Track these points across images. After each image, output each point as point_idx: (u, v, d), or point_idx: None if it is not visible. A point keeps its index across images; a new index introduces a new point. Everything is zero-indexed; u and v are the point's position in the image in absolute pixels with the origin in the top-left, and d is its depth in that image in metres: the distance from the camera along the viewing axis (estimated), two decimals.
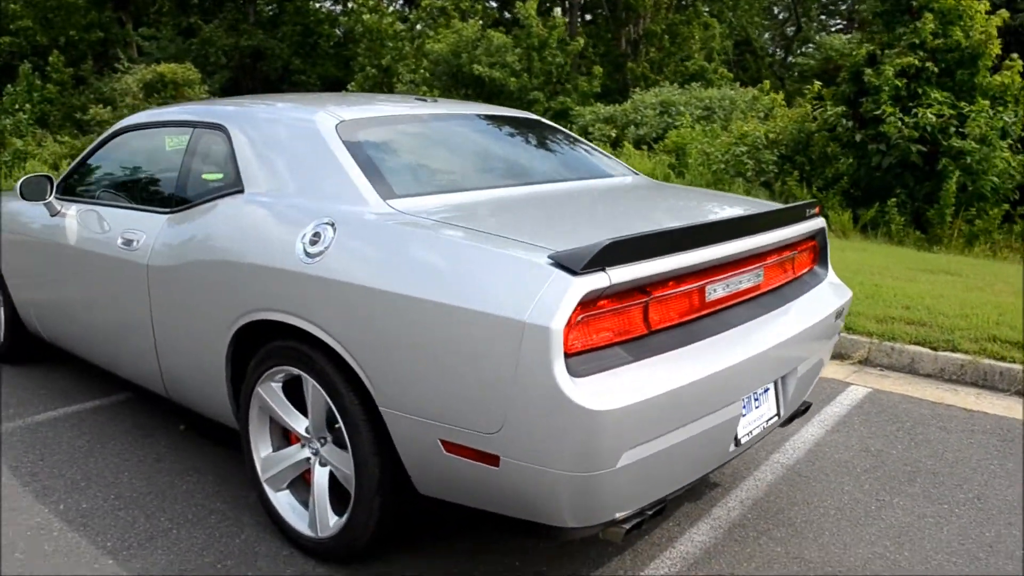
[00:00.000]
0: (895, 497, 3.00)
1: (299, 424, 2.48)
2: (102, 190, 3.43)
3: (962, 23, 9.67)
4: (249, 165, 2.65)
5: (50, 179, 3.45)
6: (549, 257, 1.91)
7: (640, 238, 1.96)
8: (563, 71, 17.40)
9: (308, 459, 2.48)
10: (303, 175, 2.51)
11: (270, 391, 2.51)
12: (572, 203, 2.67)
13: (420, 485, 2.20)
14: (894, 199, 9.32)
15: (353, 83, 19.67)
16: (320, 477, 2.43)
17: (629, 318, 2.02)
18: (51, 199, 3.44)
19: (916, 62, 9.59)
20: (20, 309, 3.93)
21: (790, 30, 31.03)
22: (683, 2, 25.27)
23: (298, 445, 2.52)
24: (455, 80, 18.02)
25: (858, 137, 9.91)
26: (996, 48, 9.54)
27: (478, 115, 3.21)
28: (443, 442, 2.05)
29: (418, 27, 19.13)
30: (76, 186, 3.56)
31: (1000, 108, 9.30)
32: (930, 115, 9.07)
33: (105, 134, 3.49)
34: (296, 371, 2.39)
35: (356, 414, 2.23)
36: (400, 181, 2.46)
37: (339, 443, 2.38)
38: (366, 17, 18.97)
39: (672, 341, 2.11)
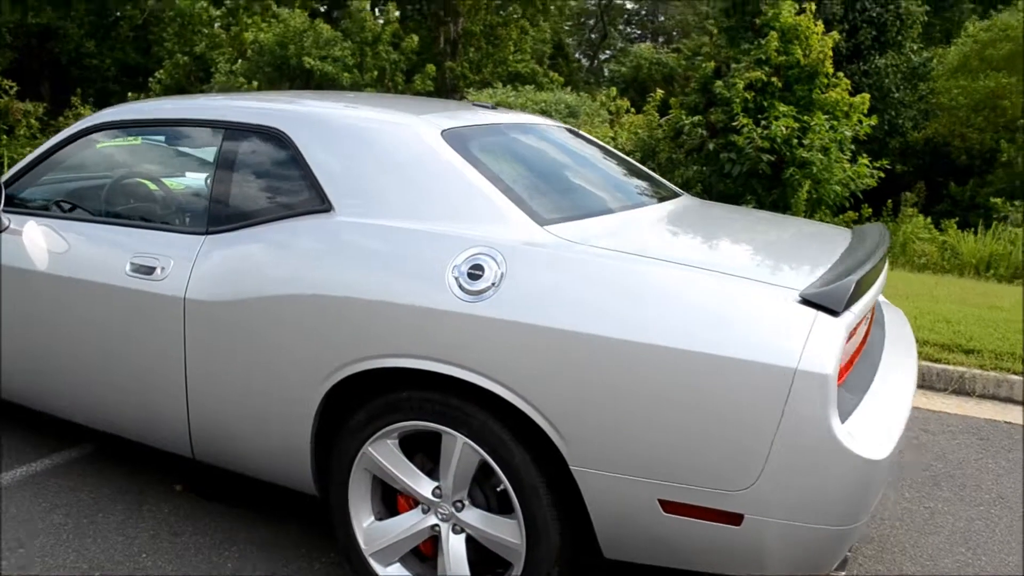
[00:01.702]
0: (936, 503, 3.14)
1: (423, 487, 2.13)
2: (73, 202, 2.79)
3: (799, 42, 10.51)
4: (336, 180, 2.24)
5: None
6: (801, 296, 1.76)
7: (866, 274, 1.88)
8: (396, 68, 16.99)
9: (433, 527, 2.14)
10: (420, 194, 2.16)
11: (386, 451, 2.13)
12: (707, 227, 2.54)
13: (610, 549, 1.96)
14: (747, 205, 9.95)
15: (161, 71, 18.01)
16: (456, 546, 2.11)
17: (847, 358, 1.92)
18: None
19: (763, 77, 10.30)
20: None
21: (594, 36, 32.46)
22: (500, 2, 25.60)
23: (416, 511, 2.17)
24: (280, 72, 17.03)
25: (711, 146, 10.48)
26: (830, 67, 10.46)
27: (549, 126, 2.96)
28: (663, 502, 1.83)
29: (241, 12, 17.83)
30: (23, 195, 2.87)
31: (835, 123, 10.22)
32: (781, 127, 9.78)
33: (67, 132, 2.83)
34: (431, 427, 2.05)
35: (532, 475, 1.94)
36: (540, 203, 2.19)
37: (482, 506, 2.08)
38: (179, 0, 17.42)
39: (861, 380, 2.04)
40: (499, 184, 2.16)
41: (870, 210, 10.13)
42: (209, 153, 2.54)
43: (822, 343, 1.69)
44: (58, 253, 2.64)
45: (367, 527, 2.22)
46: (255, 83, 17.37)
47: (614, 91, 13.57)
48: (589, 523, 1.95)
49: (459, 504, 2.10)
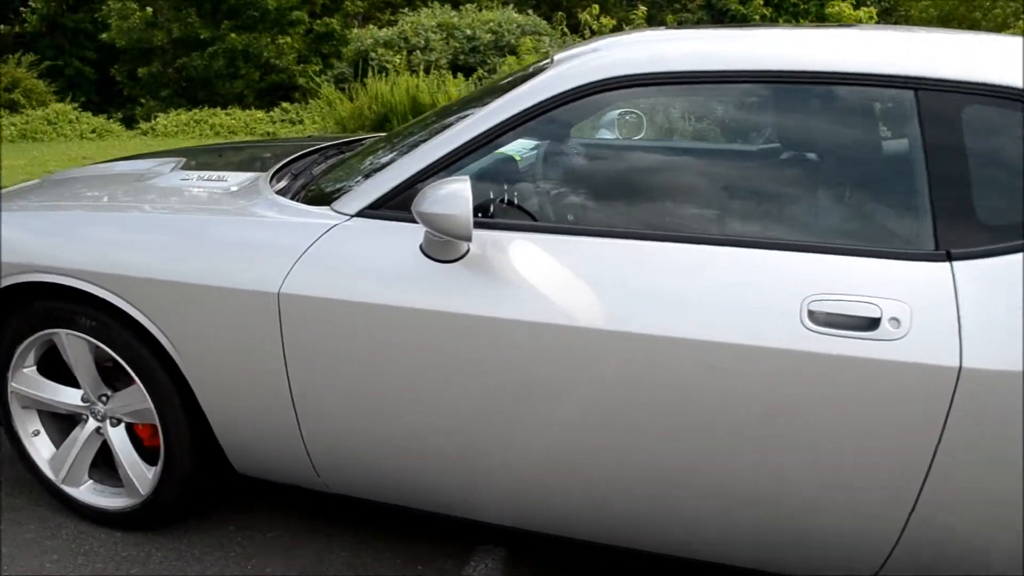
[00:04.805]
0: None
1: None
2: (590, 206, 1.81)
3: None
4: None
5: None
6: None
7: None
8: None
9: None
10: None
11: None
12: None
13: None
14: None
15: None
16: None
17: None
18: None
19: None
20: (227, 435, 2.07)
21: None
22: None
23: None
24: None
25: None
26: None
27: None
28: None
29: None
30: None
31: None
32: None
33: (544, 92, 1.78)
34: None
35: None
36: None
37: None
38: None
39: None
40: None
41: None
42: (866, 129, 1.64)
43: None
44: (613, 290, 1.67)
45: None
46: (148, 9, 15.14)
47: (596, 8, 12.56)
48: None
49: None
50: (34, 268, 2.05)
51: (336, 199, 1.96)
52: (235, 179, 2.29)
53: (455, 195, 1.61)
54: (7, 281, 2.09)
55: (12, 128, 10.83)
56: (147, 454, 2.25)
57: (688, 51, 1.76)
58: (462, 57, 14.26)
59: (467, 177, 1.67)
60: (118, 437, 2.24)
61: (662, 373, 1.62)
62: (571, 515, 1.86)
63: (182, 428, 2.11)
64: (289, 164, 2.44)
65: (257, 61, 14.54)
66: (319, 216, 1.92)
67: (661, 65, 1.75)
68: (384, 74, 11.28)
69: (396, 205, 1.87)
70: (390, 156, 2.04)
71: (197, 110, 12.62)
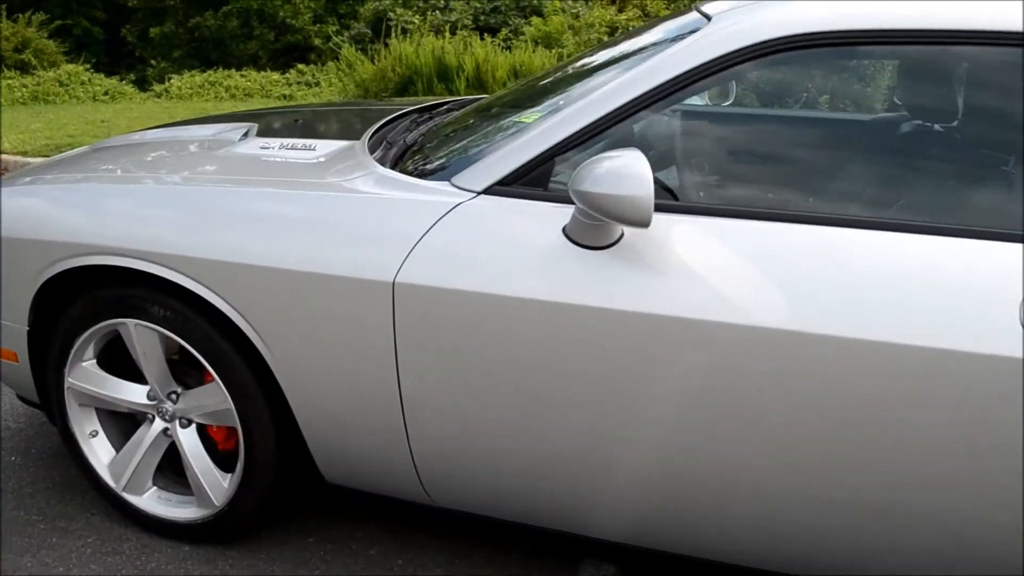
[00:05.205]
0: None
1: None
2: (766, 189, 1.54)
3: None
4: None
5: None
6: None
7: None
8: None
9: None
10: None
11: None
12: None
13: None
14: None
15: None
16: None
17: None
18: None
19: None
20: (321, 441, 1.81)
21: None
22: None
23: None
24: None
25: None
26: None
27: None
28: None
29: None
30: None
31: None
32: None
33: (690, 60, 1.49)
34: None
35: None
36: None
37: None
38: None
39: None
40: None
41: None
42: None
43: None
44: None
45: None
46: None
47: None
48: None
49: None
50: (103, 251, 1.77)
51: (455, 173, 1.67)
52: (324, 148, 2.00)
53: (630, 173, 1.33)
54: (72, 263, 1.82)
55: (24, 90, 10.45)
56: (221, 459, 1.99)
57: (887, 6, 1.46)
58: (483, 18, 13.88)
59: (637, 150, 1.39)
60: (189, 440, 1.97)
61: (853, 380, 1.36)
62: (722, 536, 1.60)
63: (266, 432, 1.85)
64: (380, 130, 2.15)
65: (272, 21, 14.10)
66: (438, 192, 1.64)
67: (857, 22, 1.45)
68: (405, 35, 10.88)
69: (530, 181, 1.59)
70: (514, 125, 1.75)
71: (212, 71, 12.22)
